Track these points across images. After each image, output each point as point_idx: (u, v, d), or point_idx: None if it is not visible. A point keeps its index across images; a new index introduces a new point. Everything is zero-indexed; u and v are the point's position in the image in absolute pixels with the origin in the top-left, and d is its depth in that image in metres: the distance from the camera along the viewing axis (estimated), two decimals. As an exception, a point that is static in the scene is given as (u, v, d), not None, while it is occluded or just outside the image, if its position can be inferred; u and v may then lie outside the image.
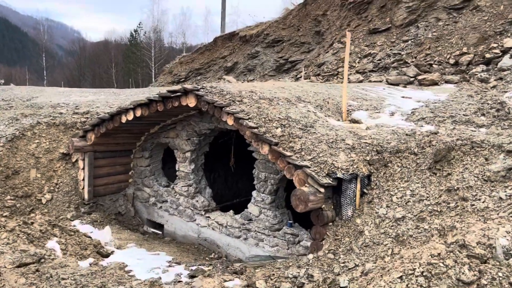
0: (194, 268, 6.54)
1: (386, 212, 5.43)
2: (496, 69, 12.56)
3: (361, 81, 15.26)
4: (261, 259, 7.68)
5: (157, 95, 8.34)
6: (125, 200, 10.66)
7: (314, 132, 6.51)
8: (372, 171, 5.93)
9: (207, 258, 8.22)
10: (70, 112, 11.94)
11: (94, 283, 3.67)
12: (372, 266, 4.71)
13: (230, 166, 10.32)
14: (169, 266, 6.73)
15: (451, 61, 14.00)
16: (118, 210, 10.42)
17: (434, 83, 12.06)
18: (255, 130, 6.59)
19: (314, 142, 6.23)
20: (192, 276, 6.25)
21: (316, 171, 5.74)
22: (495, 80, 11.82)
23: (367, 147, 6.12)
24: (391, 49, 17.52)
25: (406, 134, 6.33)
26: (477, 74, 12.58)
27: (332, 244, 5.54)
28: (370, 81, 13.59)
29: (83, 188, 9.88)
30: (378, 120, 7.38)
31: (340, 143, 6.27)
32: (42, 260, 4.59)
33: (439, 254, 3.79)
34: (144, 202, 10.54)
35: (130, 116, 8.78)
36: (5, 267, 4.35)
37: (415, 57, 15.79)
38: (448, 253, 3.75)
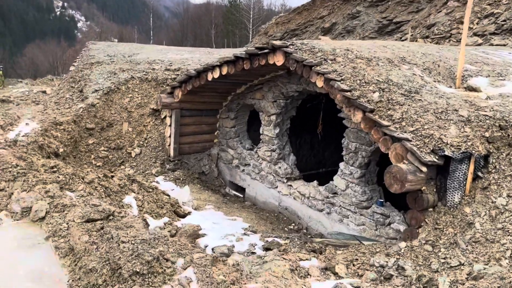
0: (270, 240, 6.08)
1: (506, 203, 4.34)
2: None
3: (479, 45, 13.18)
4: (345, 238, 6.99)
5: (244, 52, 7.79)
6: (209, 160, 10.54)
7: (420, 99, 5.46)
8: (491, 150, 4.79)
9: (286, 228, 7.74)
10: (162, 69, 12.00)
11: (151, 252, 3.32)
12: (483, 268, 3.77)
13: (317, 133, 9.56)
14: (244, 234, 6.35)
15: None
16: (202, 170, 10.34)
17: None
18: (348, 93, 5.74)
19: (418, 111, 5.21)
20: (266, 249, 5.80)
21: (418, 146, 4.78)
22: None
23: (487, 121, 4.95)
24: (520, 8, 14.82)
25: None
26: None
27: (431, 234, 4.62)
28: (491, 45, 11.59)
29: (169, 145, 9.90)
30: (502, 89, 6.02)
31: (452, 114, 5.16)
32: (111, 217, 4.42)
33: None
34: (227, 163, 10.32)
35: (216, 74, 8.39)
36: (74, 221, 4.24)
37: (553, 17, 13.14)
38: None
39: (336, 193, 7.51)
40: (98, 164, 9.79)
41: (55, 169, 5.29)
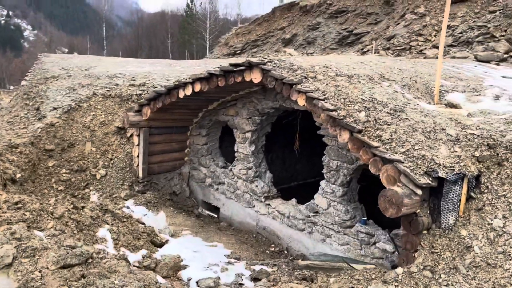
0: (257, 268, 5.76)
1: (503, 225, 4.29)
2: None
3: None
4: (330, 259, 6.79)
5: (219, 69, 7.49)
6: (180, 179, 10.10)
7: (406, 118, 5.39)
8: (482, 170, 4.76)
9: (267, 251, 7.45)
10: (126, 84, 11.43)
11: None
12: (490, 297, 3.66)
13: (291, 148, 9.39)
14: (228, 262, 6.01)
15: (552, 35, 11.99)
16: (173, 190, 9.88)
17: (534, 61, 10.30)
18: (333, 113, 5.57)
19: (407, 131, 5.12)
20: (255, 279, 5.48)
21: (411, 168, 4.67)
22: None
23: (475, 140, 4.92)
24: (474, 21, 15.50)
25: (526, 126, 5.06)
26: None
27: (429, 259, 4.50)
28: (453, 57, 11.95)
29: (138, 165, 9.37)
30: (481, 105, 6.08)
31: (440, 133, 5.11)
32: (90, 261, 3.95)
33: None
34: (199, 182, 9.91)
35: (189, 91, 8.03)
36: (48, 268, 3.75)
37: (505, 31, 13.80)
38: None
39: (318, 212, 7.33)
40: (59, 188, 9.10)
41: (19, 205, 4.72)
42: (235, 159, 8.96)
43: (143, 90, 10.87)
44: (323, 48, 23.52)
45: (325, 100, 5.77)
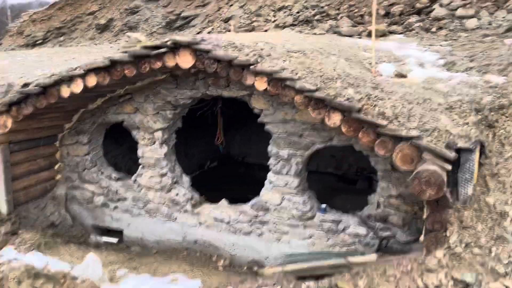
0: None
1: (525, 186, 4.37)
2: (430, 18, 12.56)
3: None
4: (299, 258, 6.11)
5: (126, 54, 5.75)
6: (56, 204, 7.70)
7: (390, 92, 5.03)
8: (477, 134, 4.78)
9: (220, 267, 6.27)
10: None
11: None
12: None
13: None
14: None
15: (381, 12, 13.62)
16: (50, 220, 7.46)
17: (383, 34, 11.47)
18: (318, 94, 4.81)
19: (404, 104, 4.77)
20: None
21: (432, 143, 4.34)
22: (437, 29, 11.79)
23: (463, 106, 4.92)
24: (306, 1, 16.53)
25: (490, 87, 5.32)
26: (413, 24, 12.44)
27: (465, 235, 4.29)
28: (314, 34, 12.35)
29: (-3, 198, 6.68)
30: (420, 73, 6.22)
31: (430, 102, 4.93)
32: None
33: None
34: (86, 203, 7.74)
35: (78, 87, 5.99)
36: None
37: (338, 9, 15.13)
38: None
39: (268, 209, 6.49)
40: None
41: None
42: (141, 166, 7.24)
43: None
44: (150, 33, 21.75)
45: (301, 81, 4.94)
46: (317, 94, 4.78)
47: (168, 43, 5.53)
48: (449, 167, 4.26)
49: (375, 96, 4.79)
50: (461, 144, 4.37)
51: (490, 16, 11.32)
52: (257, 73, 5.22)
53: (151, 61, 5.70)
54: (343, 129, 4.80)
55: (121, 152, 9.30)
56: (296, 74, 5.01)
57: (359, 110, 4.66)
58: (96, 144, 7.78)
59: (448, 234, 4.40)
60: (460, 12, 11.94)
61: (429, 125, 4.50)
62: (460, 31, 11.03)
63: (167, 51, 5.58)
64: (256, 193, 6.61)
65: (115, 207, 7.54)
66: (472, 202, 4.49)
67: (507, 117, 4.83)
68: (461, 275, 3.89)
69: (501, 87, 5.25)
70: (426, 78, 5.98)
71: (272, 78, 5.10)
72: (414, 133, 4.40)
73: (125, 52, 5.78)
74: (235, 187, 9.51)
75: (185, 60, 5.56)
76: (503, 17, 11.03)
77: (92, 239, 7.63)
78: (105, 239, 7.63)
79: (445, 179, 4.12)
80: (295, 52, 5.61)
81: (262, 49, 5.49)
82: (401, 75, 6.00)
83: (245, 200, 6.73)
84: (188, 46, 5.47)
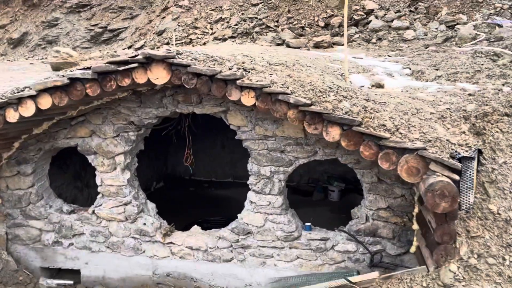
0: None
1: (523, 191, 4.44)
2: (368, 30, 13.02)
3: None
4: (290, 283, 5.75)
5: (87, 71, 5.03)
6: (-6, 248, 6.56)
7: (383, 102, 4.90)
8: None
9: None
10: None
11: None
12: None
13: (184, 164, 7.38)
14: None
15: (321, 23, 13.89)
16: (-10, 268, 6.32)
17: (330, 45, 11.66)
18: (315, 107, 4.53)
19: (401, 116, 4.66)
20: None
21: (437, 154, 4.25)
22: (376, 40, 12.23)
23: (452, 114, 4.94)
24: (243, 13, 16.38)
25: (469, 94, 5.42)
26: (354, 35, 12.82)
27: (475, 245, 4.24)
28: (262, 46, 12.19)
29: None
30: (393, 83, 6.23)
31: (421, 112, 4.88)
32: None
33: None
34: (32, 243, 6.69)
35: (28, 110, 5.14)
36: None
37: (277, 21, 15.15)
38: None
39: (250, 232, 6.06)
40: None
41: None
42: (100, 195, 6.42)
43: None
44: (73, 48, 20.15)
45: (294, 94, 4.63)
46: (314, 108, 4.51)
47: (139, 57, 4.93)
48: (457, 177, 4.20)
49: (371, 108, 4.63)
50: (464, 153, 4.33)
51: (424, 27, 11.99)
52: (243, 88, 4.82)
53: (118, 77, 5.05)
54: (343, 143, 4.56)
55: (65, 181, 8.28)
56: (287, 87, 4.70)
57: (360, 124, 4.46)
58: (41, 174, 6.78)
59: (458, 245, 4.33)
60: (396, 23, 12.49)
61: (430, 135, 4.42)
62: (399, 42, 11.51)
63: (136, 66, 4.97)
64: (221, 213, 6.18)
65: (70, 244, 6.60)
66: (474, 211, 4.47)
67: (492, 124, 4.92)
68: (485, 288, 3.80)
69: (479, 94, 5.38)
70: (403, 87, 6.00)
71: (261, 92, 4.74)
72: (419, 144, 4.29)
73: (88, 68, 5.04)
74: (194, 208, 8.95)
75: (159, 76, 5.00)
76: (436, 28, 11.71)
77: (43, 284, 6.61)
78: (58, 282, 6.65)
79: (456, 190, 4.04)
80: (278, 65, 5.31)
81: (243, 62, 5.10)
82: (379, 85, 5.96)
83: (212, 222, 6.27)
84: (162, 60, 4.92)
